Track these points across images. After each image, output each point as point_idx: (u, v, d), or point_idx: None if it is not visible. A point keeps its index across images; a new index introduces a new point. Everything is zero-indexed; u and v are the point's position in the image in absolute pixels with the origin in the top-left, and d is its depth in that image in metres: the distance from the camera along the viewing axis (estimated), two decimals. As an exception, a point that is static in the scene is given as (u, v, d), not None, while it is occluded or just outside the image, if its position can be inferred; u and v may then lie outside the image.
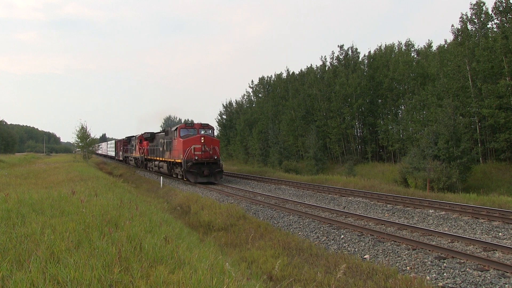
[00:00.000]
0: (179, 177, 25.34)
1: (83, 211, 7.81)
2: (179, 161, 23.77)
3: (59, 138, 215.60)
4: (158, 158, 30.15)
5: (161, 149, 29.01)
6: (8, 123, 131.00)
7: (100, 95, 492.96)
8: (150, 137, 33.71)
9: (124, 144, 49.67)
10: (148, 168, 35.71)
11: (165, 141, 27.69)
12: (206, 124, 25.05)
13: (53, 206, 8.59)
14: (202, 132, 24.37)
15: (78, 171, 24.89)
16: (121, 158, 53.28)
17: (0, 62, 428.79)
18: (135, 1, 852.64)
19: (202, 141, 22.90)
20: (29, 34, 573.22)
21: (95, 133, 53.93)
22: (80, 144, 46.78)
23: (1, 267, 4.31)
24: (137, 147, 39.13)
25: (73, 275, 4.15)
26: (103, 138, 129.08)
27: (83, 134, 45.63)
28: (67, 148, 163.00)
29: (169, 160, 26.45)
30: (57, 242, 5.45)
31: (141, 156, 37.18)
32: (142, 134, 36.58)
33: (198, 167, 22.82)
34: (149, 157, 34.22)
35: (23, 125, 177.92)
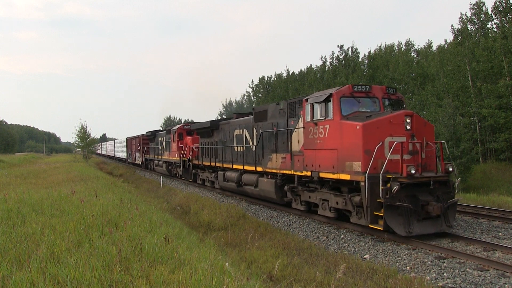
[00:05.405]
0: (329, 213, 10.86)
1: (83, 211, 7.82)
2: (342, 177, 9.67)
3: (59, 138, 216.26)
4: (233, 167, 16.75)
5: (239, 149, 16.33)
6: (8, 123, 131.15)
7: (100, 95, 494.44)
8: (204, 129, 20.76)
9: (144, 142, 36.75)
10: (201, 182, 22.25)
11: (263, 131, 13.90)
12: (392, 88, 11.13)
13: (53, 206, 8.60)
14: (387, 103, 10.71)
15: (78, 171, 24.94)
16: (138, 162, 39.43)
17: (0, 62, 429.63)
18: (135, 1, 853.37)
19: (409, 127, 9.35)
20: (29, 34, 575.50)
21: (95, 133, 53.72)
22: (80, 144, 46.96)
23: (1, 267, 4.31)
24: (172, 145, 26.45)
25: (73, 275, 4.16)
26: (103, 138, 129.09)
27: (83, 134, 45.78)
28: (67, 148, 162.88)
29: (291, 172, 12.11)
30: (57, 242, 5.46)
31: (182, 160, 24.04)
32: (182, 126, 25.99)
33: (412, 196, 8.96)
34: (202, 163, 21.15)
35: (23, 125, 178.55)
